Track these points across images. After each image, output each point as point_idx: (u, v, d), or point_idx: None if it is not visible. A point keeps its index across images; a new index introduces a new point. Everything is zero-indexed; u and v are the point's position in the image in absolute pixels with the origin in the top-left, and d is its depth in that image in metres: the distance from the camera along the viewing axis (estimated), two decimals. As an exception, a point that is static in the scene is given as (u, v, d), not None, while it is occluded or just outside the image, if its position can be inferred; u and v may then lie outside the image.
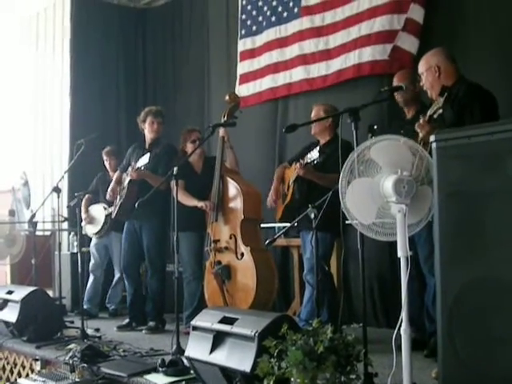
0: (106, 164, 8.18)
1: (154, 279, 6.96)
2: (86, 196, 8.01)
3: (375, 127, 3.92)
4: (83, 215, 7.96)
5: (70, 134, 9.60)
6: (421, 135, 4.20)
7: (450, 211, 3.22)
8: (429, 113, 4.18)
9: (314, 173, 5.55)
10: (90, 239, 8.27)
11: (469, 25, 6.13)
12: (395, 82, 5.37)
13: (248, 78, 8.30)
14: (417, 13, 6.35)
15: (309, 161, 5.44)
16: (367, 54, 6.74)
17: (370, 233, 3.59)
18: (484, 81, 4.58)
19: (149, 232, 6.91)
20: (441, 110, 4.08)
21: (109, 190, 7.22)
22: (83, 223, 8.05)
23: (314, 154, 5.34)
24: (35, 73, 10.57)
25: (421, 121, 4.24)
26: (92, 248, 8.17)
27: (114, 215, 7.20)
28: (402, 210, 3.39)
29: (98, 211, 7.94)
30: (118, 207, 7.02)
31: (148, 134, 7.03)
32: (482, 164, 3.07)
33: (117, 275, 8.12)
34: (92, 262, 8.13)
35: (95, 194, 8.13)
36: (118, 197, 7.08)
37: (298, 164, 5.56)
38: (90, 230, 8.10)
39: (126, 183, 6.87)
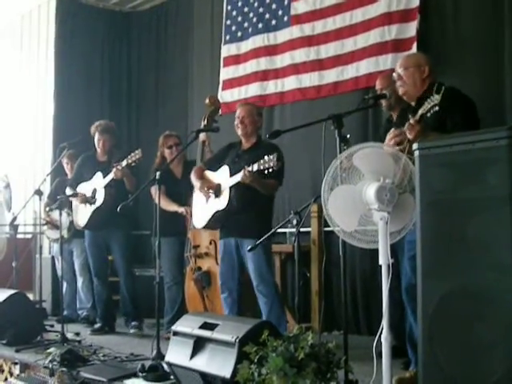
0: (67, 168, 8.11)
1: (129, 281, 7.06)
2: (46, 201, 7.96)
3: (348, 136, 3.88)
4: (44, 219, 7.91)
5: (53, 136, 9.55)
6: (410, 137, 3.98)
7: (431, 219, 3.23)
8: (420, 111, 3.93)
9: (259, 180, 5.28)
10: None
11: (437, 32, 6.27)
12: (378, 85, 5.38)
13: (232, 83, 8.28)
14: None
15: (262, 167, 5.05)
16: (363, 67, 6.77)
17: (352, 240, 3.59)
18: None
19: (120, 236, 6.98)
20: (437, 108, 3.92)
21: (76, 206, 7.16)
22: (45, 227, 8.01)
23: (273, 163, 4.98)
24: (19, 75, 10.52)
25: (411, 121, 4.01)
26: (57, 254, 7.90)
27: (84, 225, 7.10)
28: (384, 217, 3.40)
29: (63, 217, 7.76)
30: (89, 216, 6.97)
31: (98, 149, 7.13)
32: (463, 172, 3.08)
33: (80, 281, 8.00)
34: (59, 268, 7.92)
35: (55, 199, 7.81)
36: (86, 205, 6.99)
37: (244, 171, 5.19)
38: (52, 235, 7.99)
39: (102, 188, 6.80)
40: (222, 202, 5.48)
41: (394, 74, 4.65)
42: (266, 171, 5.07)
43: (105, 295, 7.15)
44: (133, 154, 6.27)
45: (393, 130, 4.22)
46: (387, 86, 5.28)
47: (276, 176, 5.39)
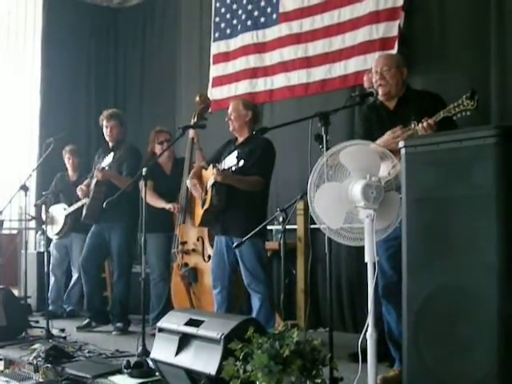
0: (68, 162, 8.12)
1: (121, 281, 6.93)
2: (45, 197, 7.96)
3: (323, 135, 3.86)
4: (43, 216, 7.89)
5: (39, 132, 9.53)
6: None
7: (417, 217, 3.24)
8: (443, 114, 4.01)
9: (232, 177, 5.28)
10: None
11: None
12: (368, 83, 5.40)
13: (222, 81, 8.28)
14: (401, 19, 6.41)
15: (226, 167, 5.18)
16: (352, 65, 6.77)
17: (338, 237, 3.59)
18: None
19: (119, 233, 6.87)
20: (468, 113, 3.92)
21: (78, 188, 7.14)
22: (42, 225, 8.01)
23: (231, 161, 5.09)
24: (5, 70, 10.45)
25: (430, 121, 4.07)
26: (52, 247, 8.04)
27: (82, 218, 7.09)
28: (370, 215, 3.40)
29: (58, 212, 7.81)
30: (85, 210, 6.96)
31: (106, 138, 7.04)
32: (449, 170, 3.09)
33: (75, 276, 8.04)
34: (52, 261, 7.97)
35: (55, 195, 8.00)
36: (86, 198, 7.01)
37: (214, 169, 5.27)
38: (49, 230, 7.95)
39: (92, 185, 6.81)
40: (207, 202, 5.54)
41: (370, 75, 4.68)
42: (230, 170, 5.15)
43: (89, 289, 7.05)
44: (107, 157, 6.30)
45: (399, 127, 4.24)
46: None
47: (260, 172, 5.38)
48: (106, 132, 6.97)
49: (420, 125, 4.12)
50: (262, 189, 5.48)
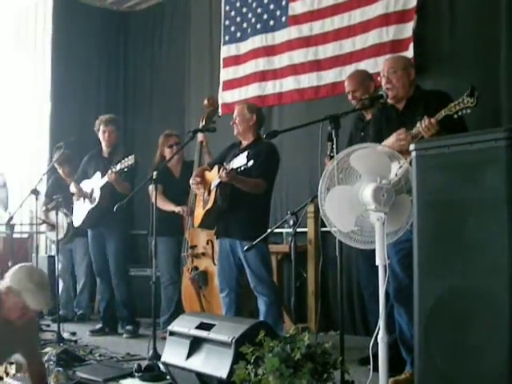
0: (60, 172, 8.04)
1: (122, 284, 6.95)
2: (44, 199, 7.92)
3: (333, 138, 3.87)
4: (40, 218, 7.87)
5: (49, 135, 9.55)
6: (426, 135, 4.04)
7: (428, 220, 3.23)
8: (444, 112, 3.96)
9: (238, 178, 5.27)
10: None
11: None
12: (350, 87, 5.45)
13: (232, 84, 8.26)
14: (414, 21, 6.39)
15: (235, 167, 5.20)
16: (362, 68, 6.72)
17: (348, 240, 3.59)
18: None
19: (115, 237, 6.87)
20: (469, 111, 3.86)
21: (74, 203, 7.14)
22: (44, 228, 7.99)
23: (241, 160, 5.12)
24: (15, 74, 10.49)
25: (432, 120, 4.02)
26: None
27: (80, 224, 7.07)
28: (381, 218, 3.40)
29: (60, 218, 7.73)
30: (85, 215, 6.93)
31: (102, 143, 7.02)
32: (461, 173, 3.09)
33: (81, 280, 8.06)
34: (59, 266, 7.94)
35: (51, 198, 7.92)
36: (86, 204, 6.95)
37: (222, 169, 5.25)
38: (52, 236, 7.87)
39: (98, 188, 6.77)
40: (210, 202, 5.53)
41: (378, 78, 4.67)
42: (238, 170, 5.20)
43: (107, 295, 7.06)
44: (126, 159, 6.23)
45: (403, 130, 4.22)
46: (358, 85, 5.42)
47: (262, 175, 5.38)
48: (104, 137, 6.97)
49: (423, 124, 4.09)
50: (265, 192, 5.47)
